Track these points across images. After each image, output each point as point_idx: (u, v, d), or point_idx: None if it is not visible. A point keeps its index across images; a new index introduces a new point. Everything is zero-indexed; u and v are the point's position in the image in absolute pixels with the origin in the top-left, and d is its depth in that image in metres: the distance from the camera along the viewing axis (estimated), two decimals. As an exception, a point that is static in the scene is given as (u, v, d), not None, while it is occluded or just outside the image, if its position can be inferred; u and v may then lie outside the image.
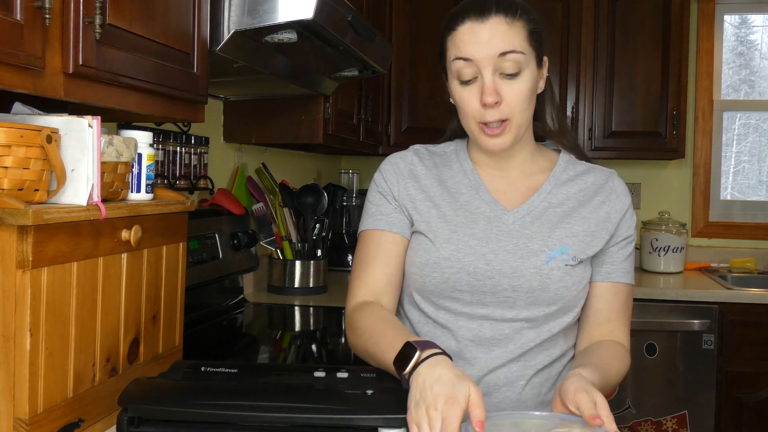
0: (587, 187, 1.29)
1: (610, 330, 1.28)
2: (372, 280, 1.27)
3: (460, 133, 1.35)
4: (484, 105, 1.18)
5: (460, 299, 1.23)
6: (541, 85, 1.27)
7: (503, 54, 1.17)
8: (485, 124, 1.21)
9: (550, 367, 1.26)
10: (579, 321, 1.31)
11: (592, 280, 1.28)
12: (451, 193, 1.29)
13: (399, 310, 1.35)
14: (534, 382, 1.24)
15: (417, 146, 1.36)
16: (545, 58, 1.26)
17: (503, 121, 1.20)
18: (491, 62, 1.17)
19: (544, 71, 1.27)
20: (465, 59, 1.19)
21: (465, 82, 1.20)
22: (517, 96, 1.19)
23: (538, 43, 1.22)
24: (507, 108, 1.19)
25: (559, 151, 1.35)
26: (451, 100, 1.29)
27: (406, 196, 1.29)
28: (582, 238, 1.24)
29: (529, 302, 1.22)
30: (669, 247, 3.20)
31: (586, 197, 1.28)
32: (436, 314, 1.26)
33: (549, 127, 1.33)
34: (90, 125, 1.07)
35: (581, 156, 1.36)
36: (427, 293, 1.26)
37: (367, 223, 1.31)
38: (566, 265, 1.22)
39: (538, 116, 1.30)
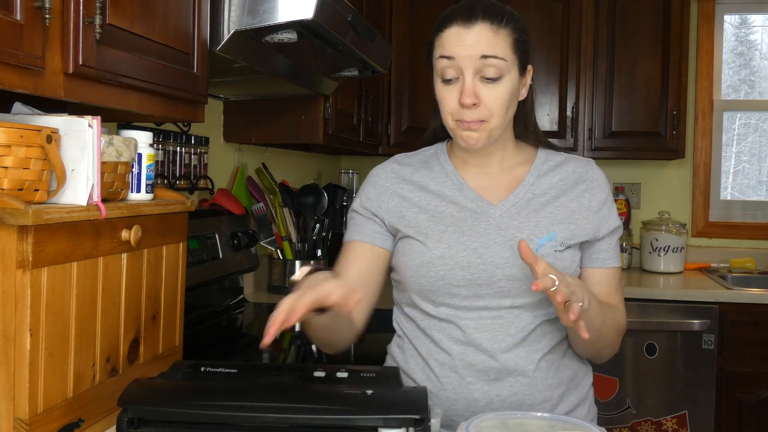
0: (568, 175, 1.34)
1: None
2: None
3: (441, 132, 1.39)
4: (462, 105, 1.23)
5: (457, 294, 1.27)
6: (524, 93, 1.31)
7: (485, 57, 1.22)
8: (461, 120, 1.25)
9: (555, 350, 1.30)
10: None
11: (590, 266, 1.34)
12: (436, 195, 1.33)
13: (401, 316, 1.39)
14: (542, 366, 1.28)
15: (397, 156, 1.42)
16: (530, 67, 1.30)
17: (481, 122, 1.25)
18: (473, 63, 1.22)
19: (528, 79, 1.31)
20: (448, 57, 1.24)
21: (446, 81, 1.25)
22: (495, 100, 1.23)
23: (523, 51, 1.27)
24: (485, 111, 1.24)
25: (537, 147, 1.39)
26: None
27: (388, 210, 1.35)
28: (567, 225, 1.29)
29: (524, 290, 1.25)
30: (669, 247, 3.20)
31: (567, 185, 1.33)
32: (436, 311, 1.29)
33: (526, 132, 1.37)
34: (90, 125, 1.07)
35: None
36: (426, 293, 1.29)
37: (351, 232, 1.39)
38: (555, 251, 1.26)
39: (516, 121, 1.34)
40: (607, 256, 1.33)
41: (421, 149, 1.42)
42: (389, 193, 1.35)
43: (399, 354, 1.38)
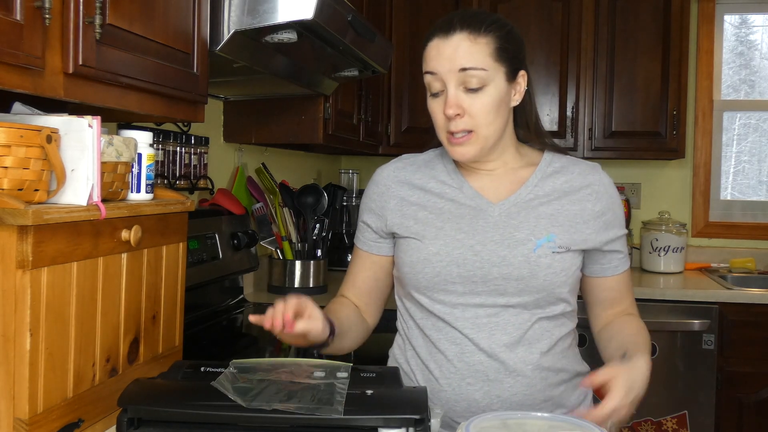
0: (573, 178, 1.33)
1: (623, 309, 1.39)
2: (346, 286, 1.46)
3: None
4: (446, 117, 1.25)
5: (453, 291, 1.28)
6: (516, 99, 1.30)
7: (464, 69, 1.23)
8: (451, 133, 1.26)
9: (554, 350, 1.30)
10: (591, 305, 1.41)
11: (602, 275, 1.35)
12: (435, 193, 1.34)
13: (402, 310, 1.40)
14: (541, 365, 1.28)
15: (404, 155, 1.44)
16: (522, 72, 1.29)
17: (469, 132, 1.25)
18: (453, 76, 1.24)
19: (521, 86, 1.30)
20: (432, 73, 1.26)
21: (434, 95, 1.28)
22: (479, 109, 1.24)
23: (509, 59, 1.25)
24: (471, 120, 1.25)
25: (542, 150, 1.38)
26: None
27: (390, 210, 1.36)
28: (568, 227, 1.29)
29: (519, 289, 1.26)
30: (669, 247, 3.20)
31: (572, 188, 1.32)
32: (433, 307, 1.30)
33: (529, 136, 1.37)
34: (90, 125, 1.07)
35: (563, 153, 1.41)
36: (423, 289, 1.30)
37: (356, 238, 1.46)
38: (553, 252, 1.26)
39: (518, 126, 1.35)
40: (618, 263, 1.36)
41: (430, 149, 1.43)
42: (390, 193, 1.37)
43: (400, 355, 1.39)
